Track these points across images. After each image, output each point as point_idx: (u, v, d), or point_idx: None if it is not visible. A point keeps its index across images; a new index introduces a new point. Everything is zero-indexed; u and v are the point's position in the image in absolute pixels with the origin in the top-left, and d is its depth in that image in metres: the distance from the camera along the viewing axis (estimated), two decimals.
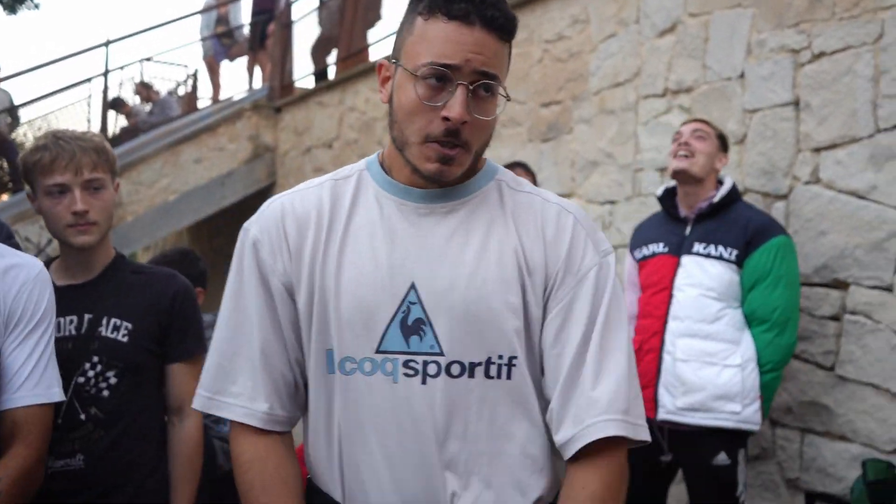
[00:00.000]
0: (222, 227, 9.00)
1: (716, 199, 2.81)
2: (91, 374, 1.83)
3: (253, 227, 1.29)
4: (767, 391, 2.74)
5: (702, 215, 2.83)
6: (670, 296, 2.80)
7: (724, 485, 2.69)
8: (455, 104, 1.14)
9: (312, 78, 8.02)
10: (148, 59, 10.21)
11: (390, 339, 1.18)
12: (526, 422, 1.21)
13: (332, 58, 7.75)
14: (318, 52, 7.87)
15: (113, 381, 1.84)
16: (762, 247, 2.70)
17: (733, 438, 2.69)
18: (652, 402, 2.76)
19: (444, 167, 1.18)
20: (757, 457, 3.21)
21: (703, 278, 2.74)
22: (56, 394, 1.58)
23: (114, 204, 1.89)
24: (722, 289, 2.73)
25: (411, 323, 1.18)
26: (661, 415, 2.74)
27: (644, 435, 1.19)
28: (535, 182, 3.31)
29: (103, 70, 7.58)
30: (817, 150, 3.00)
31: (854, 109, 2.87)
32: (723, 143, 2.90)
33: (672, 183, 2.96)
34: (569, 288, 1.21)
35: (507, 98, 1.21)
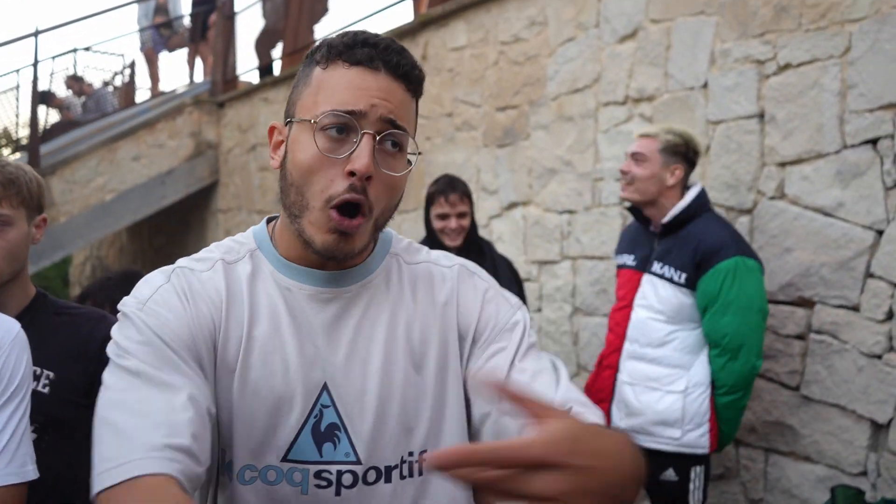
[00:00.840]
0: (163, 225, 8.68)
1: (665, 220, 2.70)
2: None
3: (155, 309, 1.04)
4: (727, 412, 2.66)
5: (666, 230, 2.74)
6: (630, 314, 2.76)
7: (675, 501, 2.67)
8: (360, 154, 0.99)
9: (257, 72, 7.76)
10: (83, 49, 9.77)
11: (301, 447, 1.04)
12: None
13: (277, 52, 7.51)
14: (263, 45, 7.62)
15: (32, 437, 1.65)
16: (711, 271, 2.58)
17: (683, 457, 2.65)
18: (607, 416, 2.75)
19: (342, 240, 1.02)
20: (720, 476, 3.15)
21: (654, 300, 2.69)
22: (31, 472, 1.37)
23: (25, 243, 1.68)
24: (671, 312, 2.66)
25: (324, 429, 1.04)
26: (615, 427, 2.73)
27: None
28: (471, 200, 3.15)
29: (32, 61, 7.17)
30: (783, 164, 2.93)
31: (820, 124, 2.80)
32: (674, 152, 2.72)
33: None
34: (491, 343, 1.11)
35: (419, 153, 1.08)
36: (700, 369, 2.65)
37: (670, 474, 2.67)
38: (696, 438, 2.63)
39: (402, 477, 1.07)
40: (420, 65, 1.08)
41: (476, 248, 3.14)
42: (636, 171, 2.72)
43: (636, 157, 2.73)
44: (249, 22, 8.02)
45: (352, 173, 0.98)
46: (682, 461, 2.67)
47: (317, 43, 1.09)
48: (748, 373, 2.63)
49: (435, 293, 1.13)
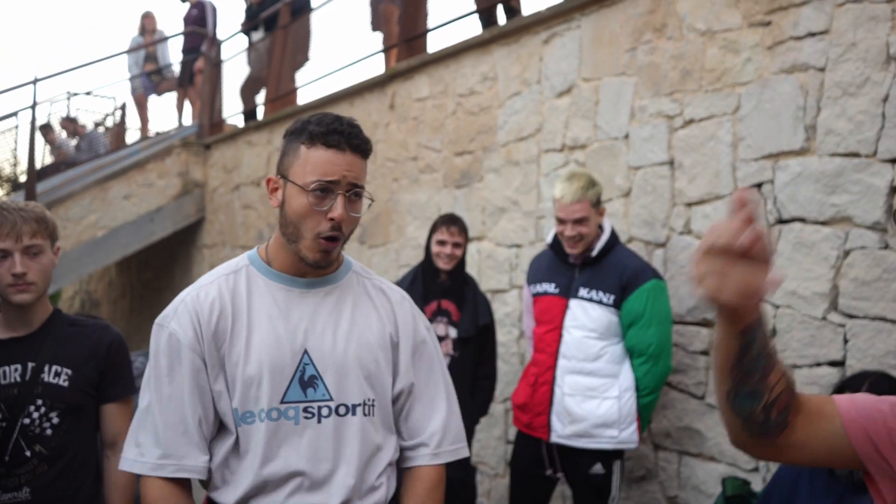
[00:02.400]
0: (151, 260, 9.10)
1: (594, 253, 3.17)
2: (35, 415, 2.07)
3: (171, 324, 1.60)
4: (646, 411, 3.15)
5: (586, 261, 3.21)
6: (560, 335, 3.17)
7: (599, 490, 3.14)
8: (337, 208, 1.55)
9: (242, 116, 8.24)
10: (79, 94, 10.24)
11: (292, 391, 1.58)
12: (387, 440, 1.68)
13: (261, 98, 8.00)
14: (247, 91, 8.11)
15: (56, 420, 2.09)
16: (636, 291, 3.08)
17: (607, 453, 3.13)
18: (546, 427, 3.17)
19: (326, 256, 1.59)
20: (642, 477, 3.59)
21: (587, 321, 3.13)
22: None
23: (52, 266, 2.14)
24: (602, 329, 3.12)
25: (307, 379, 1.59)
26: (553, 438, 3.15)
27: (463, 452, 1.76)
28: (467, 237, 3.64)
29: (31, 105, 7.65)
30: (689, 204, 3.41)
31: (718, 170, 3.29)
32: (596, 201, 3.16)
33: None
34: (412, 350, 1.71)
35: (371, 200, 1.66)
36: (627, 376, 3.11)
37: (598, 468, 3.13)
38: (629, 435, 3.10)
39: (365, 414, 1.62)
40: (368, 137, 1.61)
41: (462, 278, 3.62)
42: (583, 230, 3.13)
43: (578, 220, 3.10)
44: (235, 69, 8.49)
45: (332, 219, 1.54)
46: (607, 456, 3.14)
47: (299, 123, 1.59)
48: (665, 374, 3.15)
49: (383, 301, 1.73)
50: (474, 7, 5.10)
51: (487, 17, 5.08)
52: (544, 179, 4.17)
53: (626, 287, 3.09)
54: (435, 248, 3.55)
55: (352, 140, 1.55)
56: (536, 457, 3.24)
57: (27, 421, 2.06)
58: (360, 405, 1.61)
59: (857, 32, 2.82)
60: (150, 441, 1.56)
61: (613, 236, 3.22)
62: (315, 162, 1.54)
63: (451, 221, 3.59)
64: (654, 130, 3.57)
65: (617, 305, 3.11)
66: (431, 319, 3.50)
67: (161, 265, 8.99)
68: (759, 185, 3.13)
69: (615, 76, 3.79)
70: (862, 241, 2.79)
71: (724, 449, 3.24)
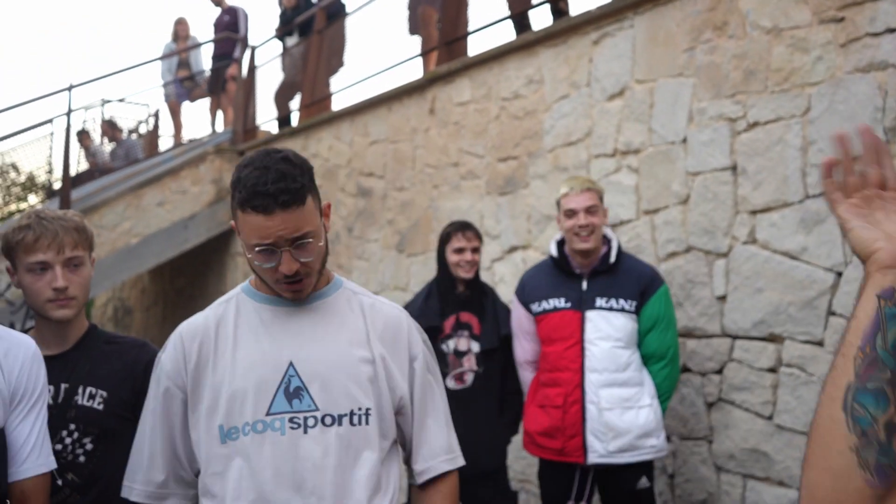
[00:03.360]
0: (184, 268, 9.04)
1: (612, 259, 3.08)
2: (68, 440, 1.93)
3: (162, 356, 1.68)
4: (663, 415, 3.10)
5: (594, 271, 3.06)
6: (582, 349, 3.02)
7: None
8: (284, 264, 1.53)
9: (276, 123, 8.16)
10: (114, 101, 10.26)
11: (277, 403, 1.56)
12: (374, 454, 1.61)
13: (295, 103, 7.90)
14: (282, 97, 8.02)
15: (89, 447, 1.95)
16: (654, 296, 3.05)
17: (648, 464, 3.05)
18: (581, 450, 3.00)
19: (297, 293, 1.61)
20: (703, 501, 3.39)
21: (612, 331, 3.01)
22: (53, 461, 1.73)
23: (90, 278, 2.01)
24: (627, 338, 3.03)
25: (293, 390, 1.57)
26: (592, 459, 2.99)
27: (459, 462, 1.73)
28: (481, 240, 3.48)
29: (66, 111, 7.62)
30: (754, 212, 3.22)
31: (786, 176, 3.10)
32: (601, 200, 3.11)
33: (559, 236, 3.20)
34: (407, 364, 1.68)
35: (326, 230, 1.62)
36: (649, 382, 3.05)
37: (644, 482, 3.02)
38: (663, 442, 3.05)
39: (353, 424, 1.58)
40: (301, 177, 1.52)
41: (481, 288, 3.45)
42: (595, 221, 3.04)
43: (591, 209, 3.03)
44: (269, 75, 8.42)
45: (284, 273, 1.53)
46: (648, 468, 3.04)
47: (234, 177, 1.54)
48: (678, 377, 3.16)
49: (376, 317, 1.69)
50: (509, 12, 4.96)
51: (521, 21, 4.93)
52: None
53: (644, 292, 3.04)
54: (453, 258, 3.38)
55: (279, 198, 1.48)
56: (571, 485, 3.07)
57: (59, 447, 1.92)
58: (346, 415, 1.58)
59: None
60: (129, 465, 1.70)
61: (619, 243, 3.17)
62: (250, 227, 1.51)
63: (465, 227, 3.43)
64: (714, 134, 3.38)
65: (637, 311, 3.03)
66: (451, 334, 3.34)
67: (194, 273, 8.92)
68: None
69: (671, 77, 3.61)
70: None
71: (794, 473, 3.04)
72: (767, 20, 3.18)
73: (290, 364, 1.57)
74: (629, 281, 3.05)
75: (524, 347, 3.26)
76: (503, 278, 4.57)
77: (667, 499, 3.55)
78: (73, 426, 1.94)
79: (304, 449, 1.54)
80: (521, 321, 3.25)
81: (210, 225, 7.99)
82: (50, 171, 9.24)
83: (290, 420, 1.55)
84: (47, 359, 1.98)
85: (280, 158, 1.52)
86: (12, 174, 10.90)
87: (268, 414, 1.55)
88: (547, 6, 4.74)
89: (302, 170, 1.54)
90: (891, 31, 2.79)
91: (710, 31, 3.42)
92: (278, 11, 8.31)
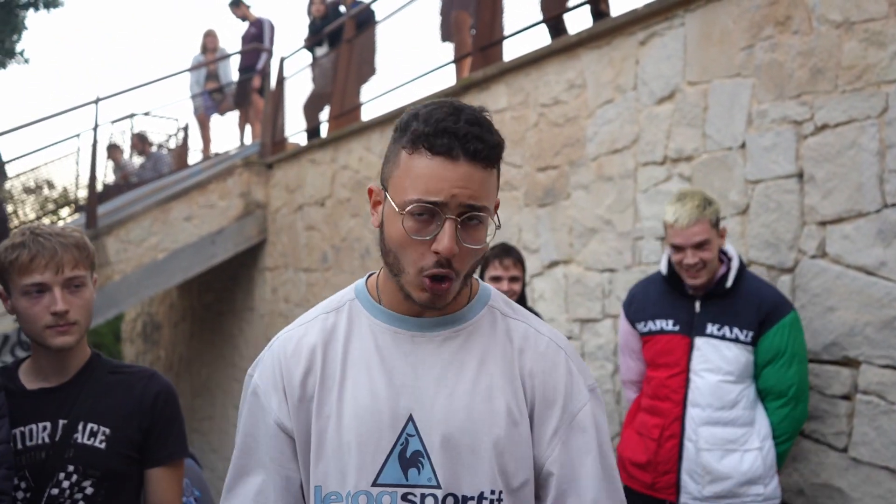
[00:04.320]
0: (212, 283, 8.89)
1: (729, 284, 2.74)
2: (66, 484, 1.71)
3: (255, 374, 1.30)
4: (781, 461, 2.76)
5: (709, 292, 2.76)
6: (687, 379, 2.73)
7: None
8: (444, 238, 1.14)
9: (305, 134, 8.00)
10: (141, 115, 10.20)
11: (388, 471, 1.18)
12: None
13: (325, 114, 7.74)
14: (311, 108, 7.86)
15: (89, 491, 1.72)
16: (777, 325, 2.68)
17: None
18: (673, 488, 2.73)
19: (436, 298, 1.18)
20: None
21: (721, 363, 2.69)
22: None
23: (93, 301, 1.79)
24: (739, 371, 2.70)
25: (409, 455, 1.19)
26: (685, 500, 2.71)
27: None
28: (524, 267, 3.21)
29: (93, 125, 7.53)
30: (823, 223, 2.93)
31: (860, 183, 2.81)
32: (716, 221, 2.75)
33: (669, 250, 2.87)
34: (563, 423, 1.23)
35: (498, 226, 1.20)
36: (763, 422, 2.71)
37: None
38: (774, 490, 2.71)
39: None
40: (498, 136, 1.18)
41: None
42: (706, 256, 2.70)
43: (702, 245, 2.69)
44: (297, 87, 8.28)
45: (437, 252, 1.14)
46: None
47: (407, 116, 1.19)
48: (804, 419, 2.76)
49: (526, 353, 1.26)
50: (543, 16, 4.72)
51: (556, 25, 4.69)
52: (642, 196, 3.72)
53: (764, 321, 2.68)
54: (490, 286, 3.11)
55: (468, 144, 1.12)
56: None
57: (55, 491, 1.70)
58: (474, 498, 1.18)
59: None
60: None
61: (742, 266, 2.79)
62: (416, 174, 1.14)
63: (504, 253, 3.15)
64: (777, 138, 3.11)
65: (754, 342, 2.68)
66: None
67: (222, 288, 8.76)
68: None
69: (728, 78, 3.34)
70: None
71: None
72: (837, 13, 2.91)
73: (410, 418, 1.20)
74: (748, 307, 2.71)
75: (629, 366, 3.00)
76: (543, 295, 4.31)
77: None
78: (71, 468, 1.72)
79: None
80: (627, 338, 2.99)
81: (238, 240, 7.83)
82: (77, 186, 9.17)
83: (404, 497, 1.18)
84: (44, 392, 1.77)
85: (474, 108, 1.18)
86: (46, 190, 10.88)
87: (374, 484, 1.19)
88: (586, 8, 4.49)
89: (498, 133, 1.20)
90: None
91: (772, 26, 3.15)
92: (307, 22, 8.18)
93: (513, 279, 3.13)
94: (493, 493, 1.19)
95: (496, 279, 3.12)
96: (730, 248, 2.82)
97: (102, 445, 1.73)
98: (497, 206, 1.21)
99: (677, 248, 2.71)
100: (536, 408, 1.23)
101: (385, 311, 1.26)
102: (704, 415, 2.69)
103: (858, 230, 2.82)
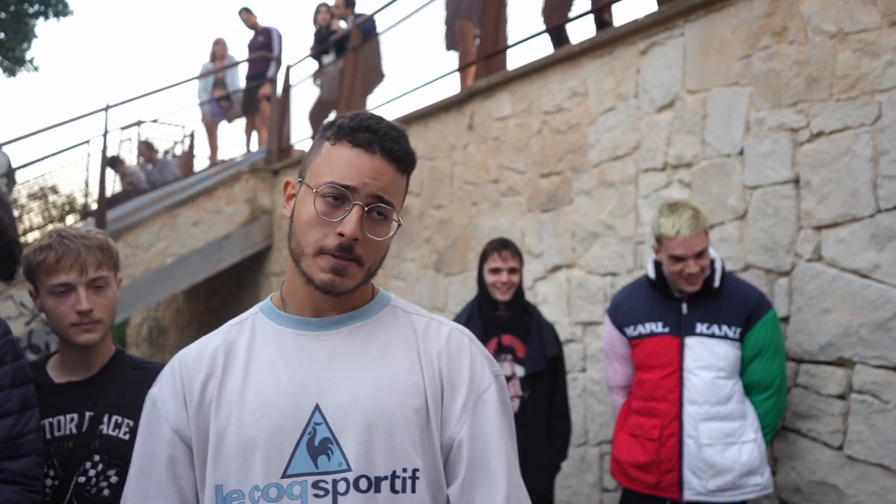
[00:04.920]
0: (218, 288, 8.98)
1: (717, 284, 2.84)
2: (92, 473, 1.79)
3: (155, 388, 1.33)
4: (766, 448, 2.88)
5: (695, 293, 2.86)
6: (681, 378, 2.82)
7: None
8: (349, 222, 1.20)
9: (310, 141, 8.08)
10: (149, 122, 10.30)
11: (298, 462, 1.19)
12: None
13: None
14: (317, 115, 7.96)
15: (114, 479, 1.81)
16: (760, 321, 2.81)
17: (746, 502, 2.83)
18: (677, 485, 2.82)
19: (337, 278, 1.23)
20: None
21: (714, 360, 2.79)
22: None
23: (116, 301, 1.88)
24: (730, 367, 2.81)
25: (318, 443, 1.20)
26: (689, 496, 2.80)
27: None
28: (521, 260, 3.30)
29: (103, 131, 7.64)
30: (819, 228, 3.02)
31: (854, 189, 2.90)
32: (707, 229, 2.85)
33: (655, 255, 2.96)
34: (470, 400, 1.26)
35: (399, 224, 1.27)
36: (752, 414, 2.82)
37: None
38: (768, 480, 2.83)
39: (394, 490, 1.19)
40: (413, 150, 1.29)
41: (522, 308, 3.28)
42: (705, 264, 2.80)
43: (701, 255, 2.78)
44: (303, 94, 8.39)
45: (341, 234, 1.20)
46: None
47: (332, 119, 1.29)
48: (784, 409, 2.90)
49: (430, 340, 1.30)
50: (546, 25, 4.82)
51: (559, 34, 4.79)
52: (643, 201, 3.81)
53: (749, 317, 2.81)
54: (490, 278, 3.22)
55: (385, 143, 1.23)
56: None
57: (82, 479, 1.78)
58: (387, 478, 1.19)
59: None
60: None
61: (723, 268, 2.91)
62: (335, 161, 1.23)
63: (502, 246, 3.25)
64: (774, 145, 3.19)
65: (741, 339, 2.80)
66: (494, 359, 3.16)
67: (228, 293, 8.85)
68: None
69: (726, 86, 3.43)
70: None
71: None
72: (832, 24, 3.00)
73: (317, 408, 1.21)
74: (733, 305, 2.82)
75: (616, 371, 3.08)
76: (546, 298, 4.39)
77: None
78: (97, 457, 1.80)
79: None
80: (613, 343, 3.06)
81: (244, 245, 7.92)
82: (87, 194, 9.27)
83: (315, 485, 1.18)
84: (72, 385, 1.86)
85: (396, 125, 1.28)
86: (52, 196, 10.99)
87: (284, 476, 1.19)
88: (587, 17, 4.59)
89: (413, 149, 1.31)
90: None
91: (769, 37, 3.24)
92: (313, 30, 8.28)
93: (511, 270, 3.22)
94: (405, 470, 1.20)
95: (495, 271, 3.20)
96: (711, 250, 2.90)
97: (127, 437, 1.82)
98: (400, 212, 1.28)
99: (677, 259, 2.78)
100: (444, 388, 1.26)
101: (289, 317, 1.29)
102: (703, 411, 2.78)
103: (853, 234, 2.90)
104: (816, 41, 3.05)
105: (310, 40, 8.38)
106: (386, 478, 1.19)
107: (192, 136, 11.04)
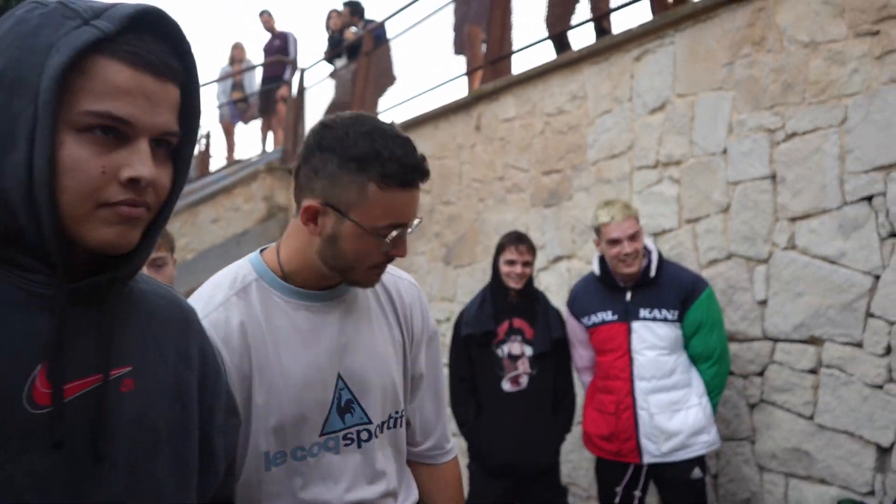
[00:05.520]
0: None
1: (653, 273, 3.24)
2: None
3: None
4: (715, 411, 3.27)
5: (637, 283, 3.24)
6: (630, 359, 3.21)
7: (700, 496, 3.18)
8: (403, 244, 1.39)
9: None
10: None
11: (331, 422, 1.44)
12: (404, 444, 1.60)
13: None
14: None
15: None
16: (697, 301, 3.20)
17: (701, 458, 3.21)
18: (635, 451, 3.21)
19: (377, 279, 1.44)
20: (748, 501, 3.48)
21: (656, 340, 3.19)
22: None
23: (172, 280, 2.20)
24: (671, 345, 3.20)
25: (343, 404, 1.46)
26: (647, 459, 3.20)
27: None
28: (535, 254, 3.63)
29: None
30: (793, 219, 3.33)
31: (824, 184, 3.21)
32: (637, 218, 3.27)
33: (600, 252, 3.36)
34: (423, 345, 1.61)
35: (420, 219, 1.50)
36: (697, 382, 3.22)
37: (698, 472, 3.19)
38: (715, 436, 3.22)
39: (389, 428, 1.53)
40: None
41: (532, 294, 3.62)
42: (638, 246, 3.22)
43: (634, 236, 3.20)
44: (317, 97, 8.72)
45: (392, 256, 1.39)
46: (700, 460, 3.21)
47: (358, 149, 1.31)
48: (727, 373, 3.30)
49: (401, 298, 1.57)
50: (549, 32, 5.14)
51: (561, 41, 5.11)
52: (637, 196, 4.13)
53: (685, 300, 3.19)
54: (505, 269, 3.55)
55: (424, 172, 1.36)
56: (624, 477, 3.25)
57: None
58: (387, 421, 1.51)
59: None
60: None
61: (660, 256, 3.30)
62: (389, 206, 1.32)
63: (518, 240, 3.58)
64: (754, 145, 3.51)
65: (680, 319, 3.19)
66: (505, 339, 3.50)
67: None
68: (869, 199, 3.04)
69: (712, 91, 3.74)
70: None
71: (836, 471, 3.12)
72: (805, 35, 3.31)
73: (339, 377, 1.43)
74: (670, 291, 3.22)
75: (581, 355, 3.48)
76: (548, 287, 4.71)
77: (711, 499, 3.65)
78: None
79: (357, 463, 1.46)
80: (575, 331, 3.46)
81: (261, 241, 8.25)
82: None
83: (344, 437, 1.45)
84: None
85: (409, 141, 1.38)
86: None
87: (321, 434, 1.43)
88: (587, 25, 4.91)
89: None
90: None
91: (749, 46, 3.56)
92: (326, 35, 8.62)
93: (525, 263, 3.56)
94: (396, 412, 1.53)
95: (511, 262, 3.54)
96: (648, 242, 3.30)
97: None
98: None
99: (614, 242, 3.19)
100: (415, 335, 1.57)
101: (296, 290, 1.42)
102: (650, 385, 3.17)
103: (823, 225, 3.22)
104: (791, 50, 3.37)
105: (323, 44, 8.71)
106: (386, 421, 1.51)
107: (207, 136, 11.39)
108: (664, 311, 3.20)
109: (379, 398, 1.48)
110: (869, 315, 3.03)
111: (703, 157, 3.77)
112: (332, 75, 8.41)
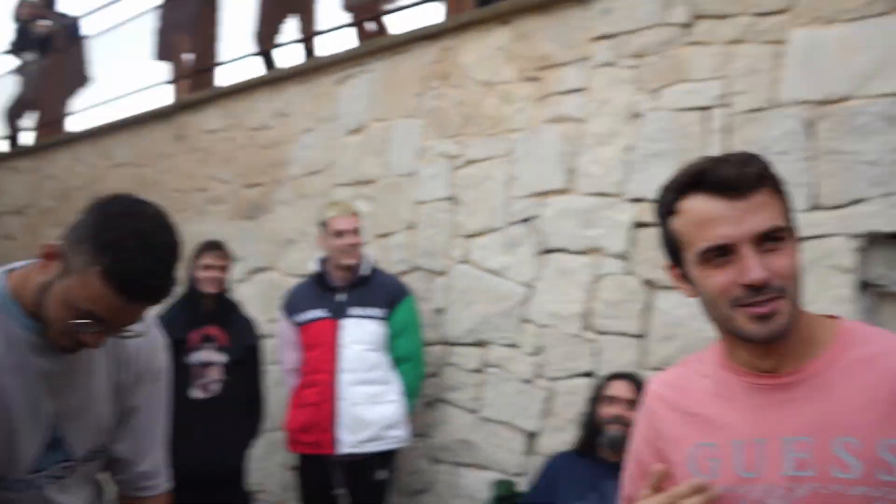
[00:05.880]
0: None
1: (367, 273, 3.52)
2: None
3: None
4: (412, 411, 3.53)
5: (351, 284, 3.49)
6: (336, 353, 3.40)
7: (382, 497, 3.43)
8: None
9: (7, 141, 7.68)
10: None
11: (40, 461, 1.55)
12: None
13: (28, 121, 7.51)
14: (15, 114, 7.60)
15: None
16: (401, 305, 3.51)
17: (388, 457, 3.43)
18: (330, 443, 3.34)
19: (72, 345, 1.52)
20: (422, 491, 3.81)
21: (363, 335, 3.42)
22: None
23: None
24: (377, 342, 3.45)
25: (52, 441, 1.57)
26: (342, 450, 3.34)
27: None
28: (230, 260, 3.71)
29: None
30: (468, 236, 3.76)
31: (493, 206, 3.67)
32: (357, 216, 3.56)
33: (320, 254, 3.61)
34: (140, 388, 1.68)
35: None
36: (396, 382, 3.46)
37: (384, 474, 3.40)
38: (406, 434, 3.47)
39: (90, 460, 1.63)
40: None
41: (227, 302, 3.67)
42: (360, 241, 3.50)
43: (356, 231, 3.48)
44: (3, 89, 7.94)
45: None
46: (389, 458, 3.42)
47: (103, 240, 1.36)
48: (423, 376, 3.60)
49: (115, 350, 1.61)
50: (258, 48, 5.27)
51: (268, 58, 5.26)
52: None
53: (392, 301, 3.48)
54: (202, 274, 3.60)
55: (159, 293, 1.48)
56: (325, 477, 3.39)
57: None
58: (87, 454, 1.64)
59: (609, 91, 3.33)
60: None
61: (372, 261, 3.62)
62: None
63: (214, 246, 3.68)
64: (438, 169, 3.91)
65: (386, 318, 3.46)
66: (198, 347, 3.52)
67: None
68: (528, 220, 3.54)
69: (404, 118, 4.10)
70: (610, 269, 3.26)
71: (496, 458, 3.55)
72: (482, 74, 3.78)
73: (53, 416, 1.55)
74: (379, 292, 3.48)
75: (290, 357, 3.58)
76: (248, 299, 4.75)
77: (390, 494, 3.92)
78: None
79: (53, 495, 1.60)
80: (287, 332, 3.57)
81: None
82: None
83: (49, 474, 1.59)
84: None
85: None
86: None
87: (31, 472, 1.55)
88: (295, 45, 5.10)
89: None
90: (573, 91, 3.47)
91: (437, 80, 3.97)
92: (13, 25, 7.89)
93: (221, 268, 3.62)
94: (100, 447, 1.65)
95: (208, 267, 3.56)
96: (364, 250, 3.60)
97: None
98: None
99: (340, 234, 3.45)
100: (128, 383, 1.65)
101: (34, 325, 1.48)
102: (354, 377, 3.39)
103: (492, 241, 3.67)
104: (471, 87, 3.82)
105: (8, 35, 7.95)
106: (87, 454, 1.65)
107: None
108: (374, 310, 3.43)
109: (88, 437, 1.57)
110: (524, 321, 3.51)
111: (395, 178, 4.10)
112: (19, 70, 7.71)
